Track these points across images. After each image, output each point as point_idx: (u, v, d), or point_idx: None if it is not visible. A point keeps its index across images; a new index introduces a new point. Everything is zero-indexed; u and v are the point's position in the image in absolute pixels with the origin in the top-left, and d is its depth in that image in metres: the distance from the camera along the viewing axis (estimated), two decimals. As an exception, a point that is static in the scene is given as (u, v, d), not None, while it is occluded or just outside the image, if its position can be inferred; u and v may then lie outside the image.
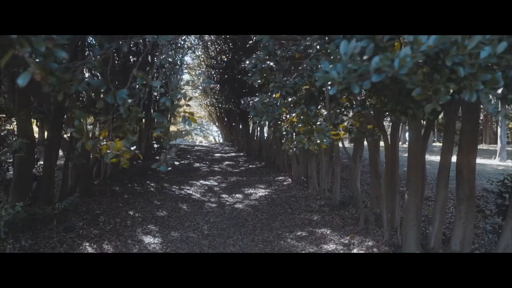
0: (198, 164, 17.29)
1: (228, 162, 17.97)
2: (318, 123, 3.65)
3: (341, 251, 6.19)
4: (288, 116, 3.92)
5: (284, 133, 3.90)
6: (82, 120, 3.18)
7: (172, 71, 2.97)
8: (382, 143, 7.46)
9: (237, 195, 10.78)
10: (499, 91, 2.72)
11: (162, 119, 3.08)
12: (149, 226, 7.81)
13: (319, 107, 3.74)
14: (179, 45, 20.37)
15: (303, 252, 6.27)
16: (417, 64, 2.14)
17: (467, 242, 5.44)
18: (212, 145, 32.97)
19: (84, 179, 9.99)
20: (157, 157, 19.17)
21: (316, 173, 10.48)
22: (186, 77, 30.00)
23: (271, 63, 3.76)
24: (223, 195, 10.83)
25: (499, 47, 2.01)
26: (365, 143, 8.34)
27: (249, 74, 3.88)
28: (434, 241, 5.87)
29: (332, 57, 2.13)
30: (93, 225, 7.61)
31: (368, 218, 7.43)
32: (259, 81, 3.85)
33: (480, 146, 24.95)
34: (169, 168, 3.44)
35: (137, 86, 2.82)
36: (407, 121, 5.96)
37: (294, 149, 3.77)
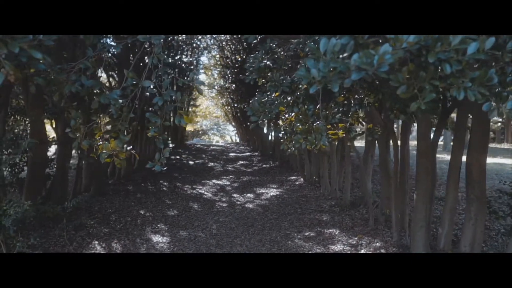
0: (212, 164, 17.37)
1: (242, 162, 17.99)
2: (318, 122, 3.61)
3: (348, 252, 6.11)
4: (287, 115, 3.88)
5: (282, 132, 3.87)
6: (78, 120, 3.23)
7: (165, 71, 2.98)
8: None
9: (248, 195, 10.78)
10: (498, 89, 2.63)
11: (155, 119, 3.09)
12: (158, 225, 7.88)
13: (318, 106, 3.69)
14: (194, 45, 20.56)
15: (309, 252, 6.21)
16: (402, 61, 2.08)
17: (477, 243, 5.29)
18: (228, 145, 33.07)
19: (98, 178, 10.15)
20: (172, 157, 19.35)
21: (328, 172, 10.38)
22: (202, 77, 30.23)
23: (268, 62, 3.73)
24: (235, 195, 10.85)
25: (488, 42, 1.94)
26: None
27: (247, 73, 3.87)
28: (444, 243, 5.73)
29: (316, 56, 2.09)
30: (104, 224, 7.72)
31: (378, 219, 7.32)
32: (256, 79, 3.83)
33: (502, 145, 24.29)
34: (165, 168, 3.46)
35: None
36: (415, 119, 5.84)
37: (293, 148, 3.73)
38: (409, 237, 6.03)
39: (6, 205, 5.03)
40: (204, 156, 20.76)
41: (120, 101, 2.78)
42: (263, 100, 3.63)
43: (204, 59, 26.40)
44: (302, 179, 12.26)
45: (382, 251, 6.03)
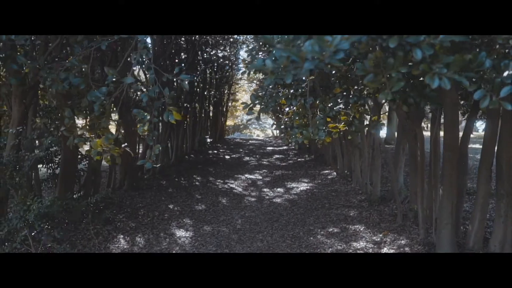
0: (248, 158, 17.39)
1: (278, 156, 17.87)
2: (317, 116, 3.45)
3: (370, 250, 5.86)
4: (287, 109, 3.75)
5: (282, 126, 3.74)
6: (71, 119, 3.28)
7: (150, 67, 2.95)
8: (427, 134, 6.97)
9: (278, 189, 10.68)
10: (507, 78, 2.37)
11: (143, 115, 3.08)
12: (184, 220, 7.98)
13: (318, 99, 3.53)
14: (231, 40, 20.58)
15: (329, 249, 6.03)
16: (369, 49, 1.90)
17: (509, 243, 4.89)
18: (267, 139, 33.02)
19: (131, 174, 10.44)
20: (210, 151, 19.60)
21: (360, 166, 10.04)
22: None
23: (264, 54, 3.62)
24: (265, 189, 10.79)
25: (463, 23, 1.73)
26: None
27: (242, 65, 3.77)
28: (474, 241, 5.35)
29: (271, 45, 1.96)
30: (132, 218, 7.94)
31: (407, 215, 6.98)
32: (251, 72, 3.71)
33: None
34: (158, 165, 3.45)
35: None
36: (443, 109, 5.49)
37: (293, 142, 3.60)
38: (435, 235, 5.68)
39: (29, 201, 5.27)
40: (241, 150, 20.85)
41: (102, 98, 2.78)
42: (261, 93, 3.52)
43: (243, 53, 26.42)
44: (334, 173, 11.98)
45: (407, 249, 5.73)
